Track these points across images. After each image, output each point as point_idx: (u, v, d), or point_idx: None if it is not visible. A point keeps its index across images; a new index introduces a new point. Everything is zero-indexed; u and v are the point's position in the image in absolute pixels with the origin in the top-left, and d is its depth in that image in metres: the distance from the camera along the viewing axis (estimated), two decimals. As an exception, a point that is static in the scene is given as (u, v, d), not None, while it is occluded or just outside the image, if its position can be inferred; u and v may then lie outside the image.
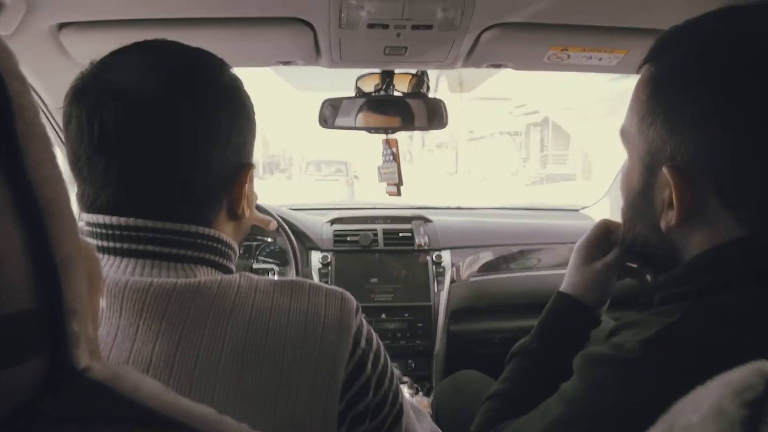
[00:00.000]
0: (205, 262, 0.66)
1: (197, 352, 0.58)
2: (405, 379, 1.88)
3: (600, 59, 1.25)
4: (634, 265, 0.92)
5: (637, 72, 0.74)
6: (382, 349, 0.72)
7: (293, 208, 2.24)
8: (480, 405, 0.94)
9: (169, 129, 0.63)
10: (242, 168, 0.71)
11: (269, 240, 1.93)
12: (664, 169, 0.66)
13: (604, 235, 0.93)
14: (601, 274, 0.90)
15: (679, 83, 0.66)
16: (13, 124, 0.29)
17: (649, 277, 0.92)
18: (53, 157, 0.32)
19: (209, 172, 0.66)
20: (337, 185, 12.82)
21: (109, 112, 0.62)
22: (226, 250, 0.70)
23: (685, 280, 0.68)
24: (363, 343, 0.68)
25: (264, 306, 0.63)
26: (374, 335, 0.72)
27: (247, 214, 0.74)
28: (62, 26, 1.18)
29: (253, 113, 0.74)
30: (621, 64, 1.27)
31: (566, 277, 0.94)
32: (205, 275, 0.65)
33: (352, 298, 0.70)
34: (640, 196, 0.73)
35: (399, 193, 1.76)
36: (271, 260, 1.93)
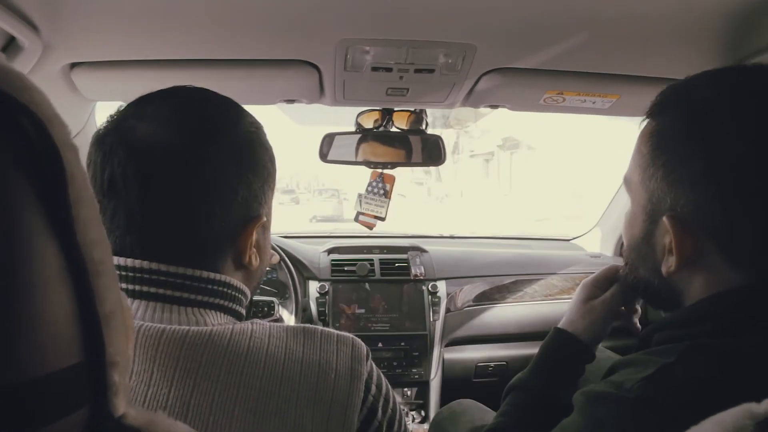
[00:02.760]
0: (215, 306, 0.67)
1: (212, 399, 0.59)
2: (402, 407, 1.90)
3: (594, 102, 1.30)
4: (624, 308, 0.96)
5: (640, 126, 0.78)
6: (391, 391, 0.74)
7: (285, 235, 2.25)
8: None
9: (171, 183, 0.64)
10: (250, 221, 0.71)
11: (267, 269, 1.94)
12: (665, 219, 0.70)
13: (610, 276, 0.97)
14: (599, 312, 0.94)
15: (678, 141, 0.70)
16: (66, 192, 0.32)
17: (639, 326, 0.96)
18: (99, 219, 0.34)
19: (211, 225, 0.67)
20: (332, 203, 18.22)
21: (119, 161, 0.64)
22: (237, 294, 0.71)
23: (684, 323, 0.72)
24: (374, 389, 0.69)
25: (278, 353, 0.64)
26: (383, 379, 0.73)
27: (255, 264, 0.73)
28: (74, 66, 1.20)
29: (270, 164, 0.74)
30: (613, 107, 1.32)
31: (566, 314, 0.97)
32: (215, 320, 0.66)
33: (362, 344, 0.71)
34: (642, 241, 0.77)
35: (373, 227, 1.77)
36: (268, 288, 1.94)
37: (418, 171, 26.18)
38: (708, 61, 1.10)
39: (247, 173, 0.69)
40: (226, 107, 0.72)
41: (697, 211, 0.68)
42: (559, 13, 1.00)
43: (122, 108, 0.70)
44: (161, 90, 0.71)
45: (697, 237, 0.69)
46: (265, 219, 0.73)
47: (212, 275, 0.67)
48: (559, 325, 0.98)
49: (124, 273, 0.65)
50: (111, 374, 0.34)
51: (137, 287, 0.64)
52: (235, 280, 0.71)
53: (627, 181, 0.80)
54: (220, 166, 0.67)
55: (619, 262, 0.94)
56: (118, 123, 0.67)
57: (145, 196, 0.64)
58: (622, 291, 0.94)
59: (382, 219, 1.72)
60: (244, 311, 0.73)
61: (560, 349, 0.95)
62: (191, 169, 0.65)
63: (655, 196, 0.73)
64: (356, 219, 1.76)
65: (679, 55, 1.13)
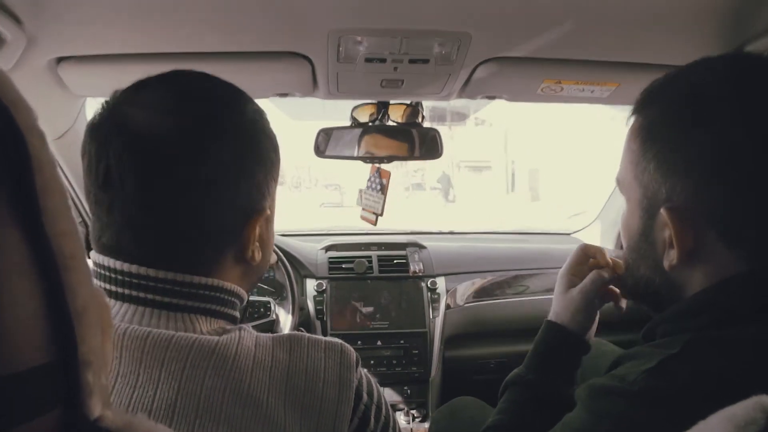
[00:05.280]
0: (205, 312, 0.65)
1: (197, 402, 0.57)
2: (400, 406, 1.88)
3: (592, 91, 1.28)
4: (616, 290, 0.94)
5: (627, 124, 0.77)
6: (383, 396, 0.72)
7: (284, 234, 2.23)
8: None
9: (170, 177, 0.61)
10: (253, 215, 0.68)
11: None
12: (662, 211, 0.69)
13: (582, 260, 0.97)
14: (578, 301, 0.92)
15: (668, 130, 0.69)
16: (32, 179, 0.29)
17: (624, 304, 0.94)
18: (69, 210, 0.32)
19: (211, 218, 0.64)
20: (336, 194, 22.38)
21: (114, 151, 0.60)
22: (229, 298, 0.68)
23: (688, 314, 0.70)
24: (365, 396, 0.67)
25: (265, 361, 0.62)
26: (374, 384, 0.71)
27: (257, 258, 0.70)
28: (60, 60, 1.18)
29: (273, 155, 0.70)
30: (612, 96, 1.30)
31: (552, 305, 0.97)
32: (205, 324, 0.64)
33: (352, 350, 0.69)
34: (641, 238, 0.75)
35: (375, 223, 1.76)
36: (265, 287, 1.92)
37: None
38: (709, 47, 1.08)
39: (251, 165, 0.67)
40: (228, 93, 0.69)
41: (694, 198, 0.67)
42: None
43: (118, 94, 0.66)
44: (159, 74, 0.67)
45: (697, 226, 0.67)
46: (269, 212, 0.70)
47: (204, 280, 0.64)
48: (548, 318, 0.97)
49: (114, 276, 0.62)
50: (84, 374, 0.32)
51: (126, 291, 0.62)
52: (229, 284, 0.68)
53: (620, 181, 0.80)
54: (222, 158, 0.64)
55: (621, 255, 0.91)
56: (113, 110, 0.64)
57: (142, 192, 0.61)
58: (599, 278, 0.91)
59: (380, 215, 1.71)
60: (238, 314, 0.70)
61: (551, 340, 0.94)
62: (191, 161, 0.62)
63: (649, 190, 0.71)
64: (360, 216, 1.76)
65: (679, 41, 1.10)
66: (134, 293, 0.62)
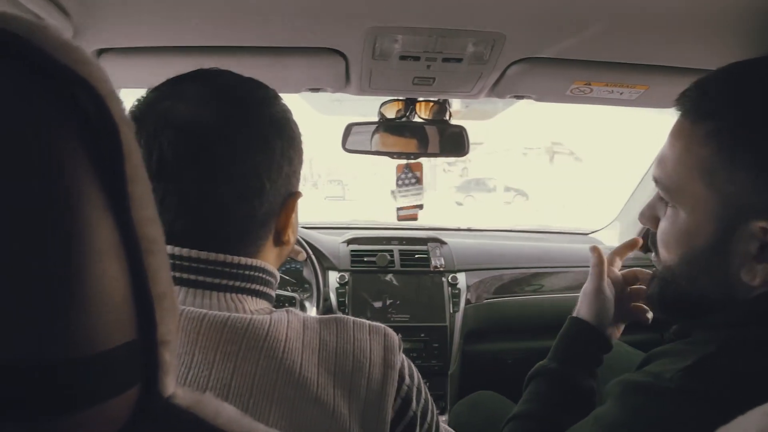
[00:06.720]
0: (251, 292, 0.68)
1: (251, 382, 0.60)
2: None
3: (621, 93, 1.29)
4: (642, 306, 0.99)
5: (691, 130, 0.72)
6: (422, 380, 0.74)
7: (306, 226, 2.26)
8: (498, 426, 0.97)
9: (225, 160, 0.65)
10: (291, 196, 0.73)
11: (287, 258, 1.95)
12: (754, 224, 0.66)
13: (631, 280, 1.02)
14: (611, 309, 0.97)
15: (765, 138, 0.65)
16: (123, 167, 0.32)
17: (650, 316, 0.98)
18: (152, 197, 0.34)
19: (262, 200, 0.68)
20: (338, 188, 23.04)
21: (168, 141, 0.63)
22: (270, 278, 0.72)
23: (730, 316, 0.70)
24: (407, 378, 0.70)
25: (314, 343, 0.65)
26: (414, 368, 0.74)
27: (292, 240, 0.76)
28: (102, 52, 1.21)
29: (301, 143, 0.75)
30: (641, 98, 1.31)
31: (579, 304, 1.01)
32: (252, 305, 0.67)
33: (394, 333, 0.72)
34: (710, 252, 0.71)
35: (417, 218, 1.80)
36: (288, 278, 1.96)
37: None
38: (740, 51, 1.09)
39: (288, 149, 0.71)
40: (260, 86, 0.74)
41: None
42: (589, 0, 0.99)
43: (152, 90, 0.70)
44: (190, 72, 0.72)
45: None
46: (302, 194, 0.76)
47: (251, 261, 0.69)
48: (574, 314, 1.01)
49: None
50: (162, 353, 0.34)
51: (178, 274, 0.65)
52: (269, 265, 0.72)
53: (677, 189, 0.74)
54: (267, 142, 0.68)
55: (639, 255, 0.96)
56: (154, 104, 0.67)
57: (200, 176, 0.65)
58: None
59: (421, 207, 1.75)
60: (274, 293, 0.74)
61: (576, 334, 0.98)
62: (243, 145, 0.66)
63: (733, 201, 0.67)
64: (398, 218, 1.79)
65: (711, 44, 1.11)
66: (185, 276, 0.65)
